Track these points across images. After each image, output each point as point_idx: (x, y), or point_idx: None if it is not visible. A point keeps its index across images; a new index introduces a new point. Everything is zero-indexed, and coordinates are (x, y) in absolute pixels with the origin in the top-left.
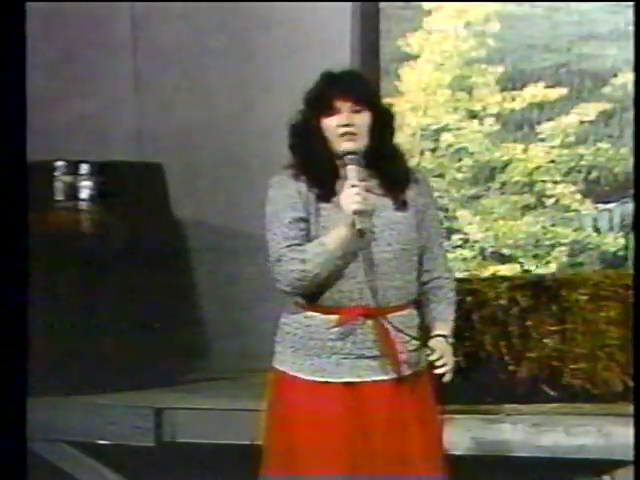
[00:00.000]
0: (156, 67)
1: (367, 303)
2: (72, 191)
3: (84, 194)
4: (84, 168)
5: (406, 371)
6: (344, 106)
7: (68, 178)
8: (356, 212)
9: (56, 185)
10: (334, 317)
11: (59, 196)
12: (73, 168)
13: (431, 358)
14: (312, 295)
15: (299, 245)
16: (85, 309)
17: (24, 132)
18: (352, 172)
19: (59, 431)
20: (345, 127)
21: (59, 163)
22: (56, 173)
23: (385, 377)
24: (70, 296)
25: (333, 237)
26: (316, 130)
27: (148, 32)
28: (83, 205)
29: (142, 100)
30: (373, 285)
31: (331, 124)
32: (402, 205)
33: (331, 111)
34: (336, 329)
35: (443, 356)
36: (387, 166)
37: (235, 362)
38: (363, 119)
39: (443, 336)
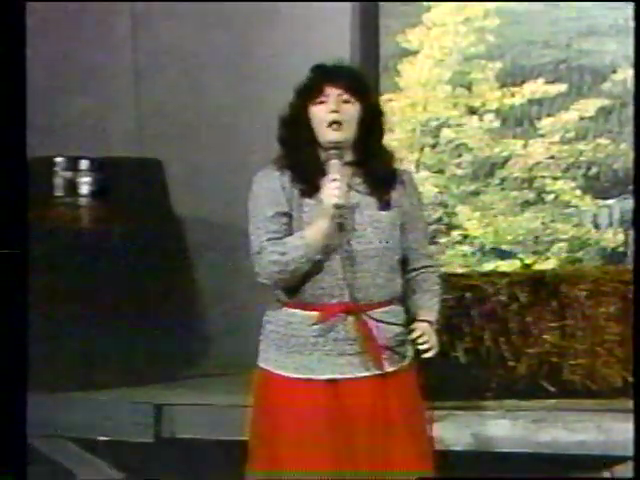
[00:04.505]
0: (156, 65)
1: (348, 300)
2: (72, 187)
3: (84, 190)
4: (84, 164)
5: (389, 367)
6: (333, 93)
7: (68, 174)
8: (336, 206)
9: (56, 181)
10: (315, 314)
11: (59, 192)
12: (73, 164)
13: (412, 336)
14: (293, 291)
15: (280, 239)
16: (85, 305)
17: (24, 129)
18: (334, 167)
19: (59, 427)
20: (333, 114)
21: (59, 159)
22: (56, 169)
23: (367, 373)
24: (70, 292)
25: (313, 231)
26: (303, 119)
27: (148, 30)
28: (83, 201)
29: (142, 98)
30: (354, 282)
31: (319, 112)
32: (386, 204)
33: (320, 98)
34: (317, 326)
35: (424, 335)
36: (373, 165)
37: (234, 358)
38: (352, 110)
39: (427, 321)
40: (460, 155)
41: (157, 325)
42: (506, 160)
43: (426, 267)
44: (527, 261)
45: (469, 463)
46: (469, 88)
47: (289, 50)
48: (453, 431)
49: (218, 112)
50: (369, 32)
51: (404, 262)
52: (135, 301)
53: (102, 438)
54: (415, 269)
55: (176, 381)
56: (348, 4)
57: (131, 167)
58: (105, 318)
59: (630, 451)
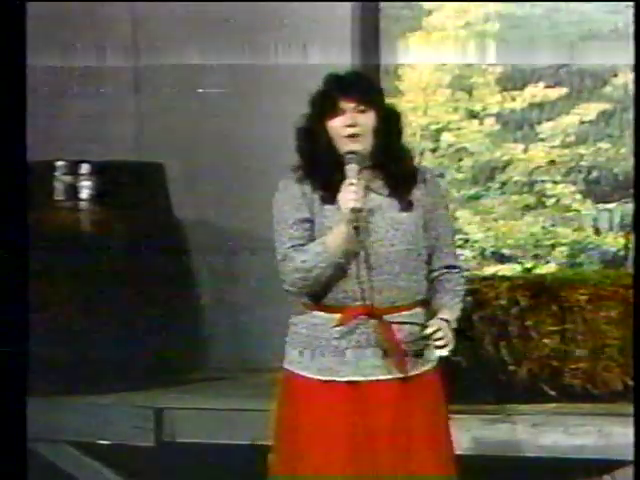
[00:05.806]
0: (156, 69)
1: (371, 303)
2: (72, 191)
3: (84, 194)
4: (84, 168)
5: (412, 371)
6: (348, 106)
7: (68, 178)
8: (353, 210)
9: (56, 185)
10: (337, 316)
11: (59, 196)
12: (73, 168)
13: (426, 331)
14: (317, 295)
15: (303, 245)
16: (85, 309)
17: (24, 132)
18: (351, 171)
19: (59, 431)
20: (350, 127)
21: (59, 163)
22: (56, 173)
23: (390, 376)
24: (70, 295)
25: (333, 236)
26: (321, 132)
27: (148, 34)
28: (83, 205)
29: (142, 102)
30: (377, 285)
31: (335, 125)
32: (408, 205)
33: (335, 112)
34: (339, 328)
35: (440, 331)
36: (392, 166)
37: (235, 362)
38: (368, 119)
39: (445, 320)
40: (460, 159)
41: (157, 329)
42: (506, 164)
43: (450, 267)
44: (527, 265)
45: (469, 467)
46: (469, 92)
47: (289, 54)
48: (453, 435)
49: (218, 116)
50: (370, 36)
51: (429, 261)
52: (135, 305)
53: (103, 442)
54: (439, 268)
55: (177, 385)
56: (349, 8)
57: (131, 171)
58: (105, 322)
59: (630, 455)
